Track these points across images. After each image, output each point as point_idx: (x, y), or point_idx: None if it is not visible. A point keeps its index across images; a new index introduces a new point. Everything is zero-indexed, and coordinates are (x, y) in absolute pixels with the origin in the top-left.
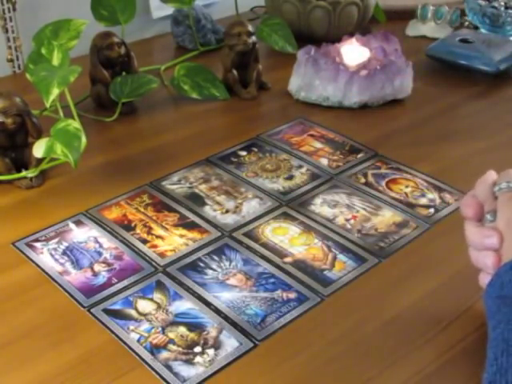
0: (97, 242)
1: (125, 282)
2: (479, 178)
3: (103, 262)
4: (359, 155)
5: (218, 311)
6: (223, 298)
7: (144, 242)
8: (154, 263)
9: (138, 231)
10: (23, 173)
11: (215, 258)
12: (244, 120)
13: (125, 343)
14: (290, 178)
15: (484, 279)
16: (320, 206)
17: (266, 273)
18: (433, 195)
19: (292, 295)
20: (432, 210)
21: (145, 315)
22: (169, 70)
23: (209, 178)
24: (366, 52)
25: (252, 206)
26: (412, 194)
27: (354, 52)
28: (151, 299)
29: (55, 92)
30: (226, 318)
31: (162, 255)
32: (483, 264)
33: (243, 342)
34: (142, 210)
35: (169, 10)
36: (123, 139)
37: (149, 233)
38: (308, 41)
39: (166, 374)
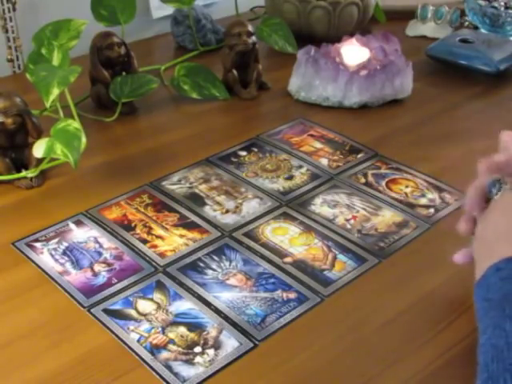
0: (97, 242)
1: (125, 282)
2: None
3: (103, 262)
4: (359, 155)
5: (218, 311)
6: (223, 298)
7: (144, 242)
8: (153, 263)
9: (138, 231)
10: (23, 173)
11: (215, 258)
12: (244, 120)
13: (125, 343)
14: (290, 178)
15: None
16: (320, 206)
17: (266, 273)
18: (433, 195)
19: (292, 295)
20: (432, 210)
21: (145, 315)
22: (169, 70)
23: (209, 177)
24: (365, 52)
25: (252, 206)
26: (412, 194)
27: (353, 52)
28: (151, 299)
29: (55, 92)
30: (226, 318)
31: (162, 255)
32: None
33: (243, 342)
34: (142, 210)
35: (169, 9)
36: (123, 139)
37: (149, 233)
38: (308, 41)
39: (165, 374)
